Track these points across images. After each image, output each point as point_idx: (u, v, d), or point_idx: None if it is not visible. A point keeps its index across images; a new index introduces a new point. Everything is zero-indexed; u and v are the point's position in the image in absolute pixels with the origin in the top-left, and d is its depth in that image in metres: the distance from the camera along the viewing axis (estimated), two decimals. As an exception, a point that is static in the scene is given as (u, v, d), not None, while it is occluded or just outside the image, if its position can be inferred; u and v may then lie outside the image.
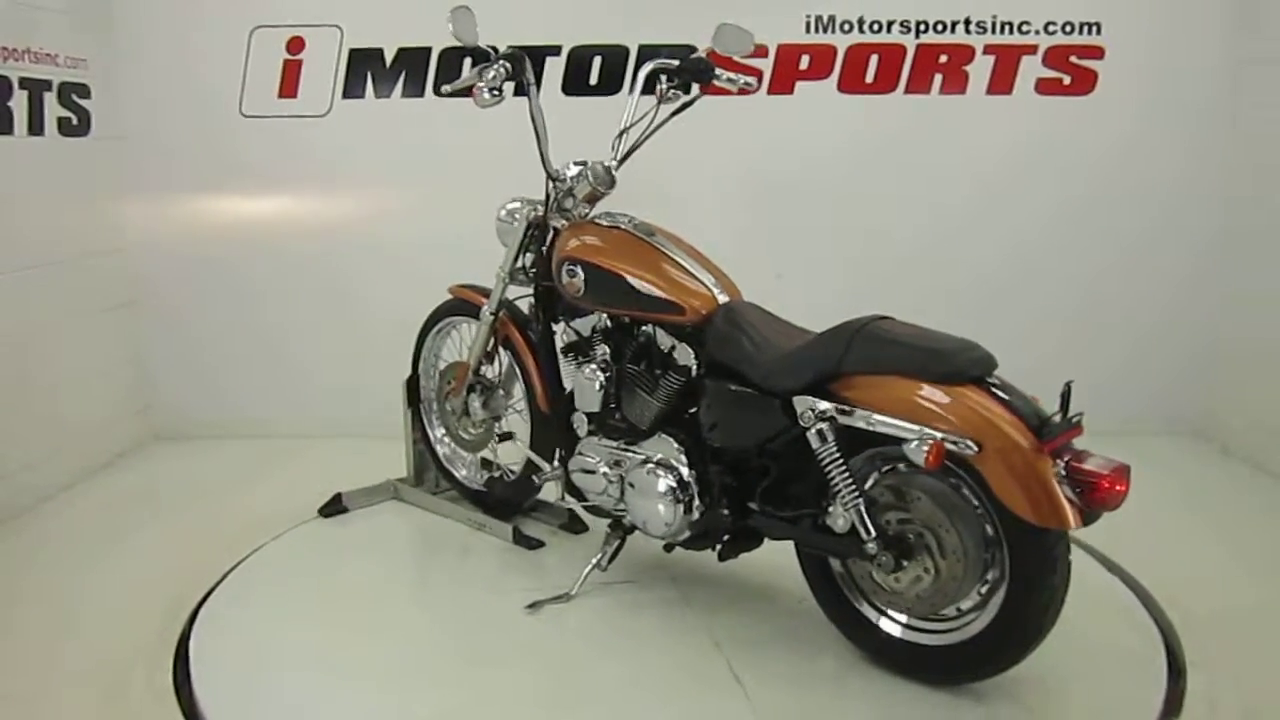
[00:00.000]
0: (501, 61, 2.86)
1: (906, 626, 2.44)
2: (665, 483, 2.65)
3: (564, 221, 2.97)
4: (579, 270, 2.80)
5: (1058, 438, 2.11)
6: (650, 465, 2.70)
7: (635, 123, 2.91)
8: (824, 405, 2.34)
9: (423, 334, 3.52)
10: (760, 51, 4.23)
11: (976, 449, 2.13)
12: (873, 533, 2.32)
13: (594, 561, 2.86)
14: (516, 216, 3.06)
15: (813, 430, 2.36)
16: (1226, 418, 4.28)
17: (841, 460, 2.34)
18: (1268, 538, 3.38)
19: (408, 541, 3.40)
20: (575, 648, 2.65)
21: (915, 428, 2.18)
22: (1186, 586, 2.92)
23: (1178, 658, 2.56)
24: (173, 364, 4.43)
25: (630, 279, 2.71)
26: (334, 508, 3.46)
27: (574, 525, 3.31)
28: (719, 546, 2.73)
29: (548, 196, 2.98)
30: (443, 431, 3.53)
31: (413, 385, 3.54)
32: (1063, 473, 2.10)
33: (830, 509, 2.40)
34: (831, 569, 2.53)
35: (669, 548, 2.83)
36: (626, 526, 2.88)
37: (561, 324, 3.01)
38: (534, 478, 3.11)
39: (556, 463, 3.02)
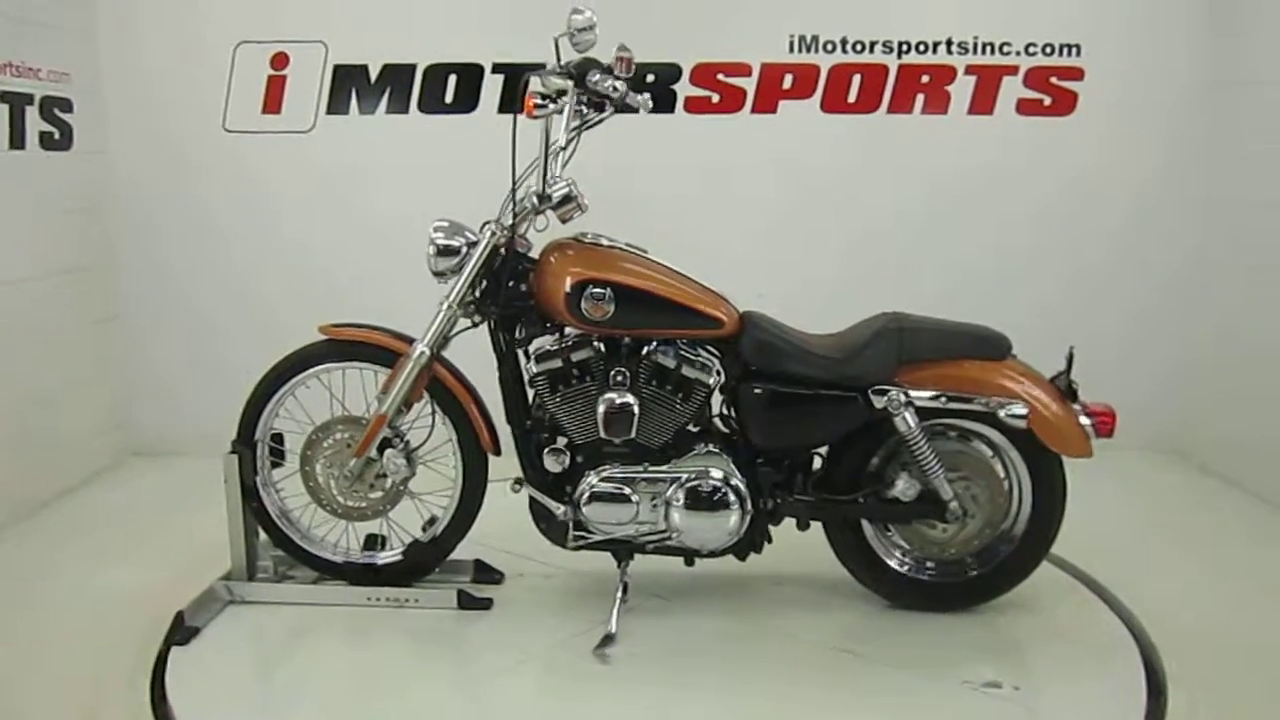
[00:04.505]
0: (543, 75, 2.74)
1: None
2: (723, 494, 2.73)
3: (528, 244, 2.83)
4: (607, 292, 2.69)
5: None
6: (701, 481, 2.73)
7: (571, 139, 2.74)
8: (910, 392, 2.71)
9: (268, 390, 2.94)
10: (744, 70, 4.27)
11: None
12: (951, 494, 2.77)
13: (618, 596, 2.80)
14: (461, 238, 2.79)
15: (900, 416, 2.70)
16: (1204, 435, 4.32)
17: (924, 438, 2.72)
18: (1246, 555, 3.40)
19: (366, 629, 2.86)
20: (695, 693, 2.54)
21: (994, 400, 2.69)
22: (1166, 604, 2.94)
23: (1158, 675, 2.58)
24: (152, 380, 4.41)
25: (667, 297, 2.71)
26: (185, 634, 2.75)
27: (489, 577, 3.08)
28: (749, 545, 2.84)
29: (515, 216, 2.75)
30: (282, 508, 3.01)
31: (248, 459, 2.94)
32: (1082, 416, 2.71)
33: (896, 481, 2.77)
34: (865, 537, 2.88)
35: (690, 561, 2.86)
36: (632, 553, 2.85)
37: (542, 351, 2.77)
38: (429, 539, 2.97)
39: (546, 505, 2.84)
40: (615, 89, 2.68)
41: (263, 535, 3.03)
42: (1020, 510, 2.85)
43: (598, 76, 2.67)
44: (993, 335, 2.80)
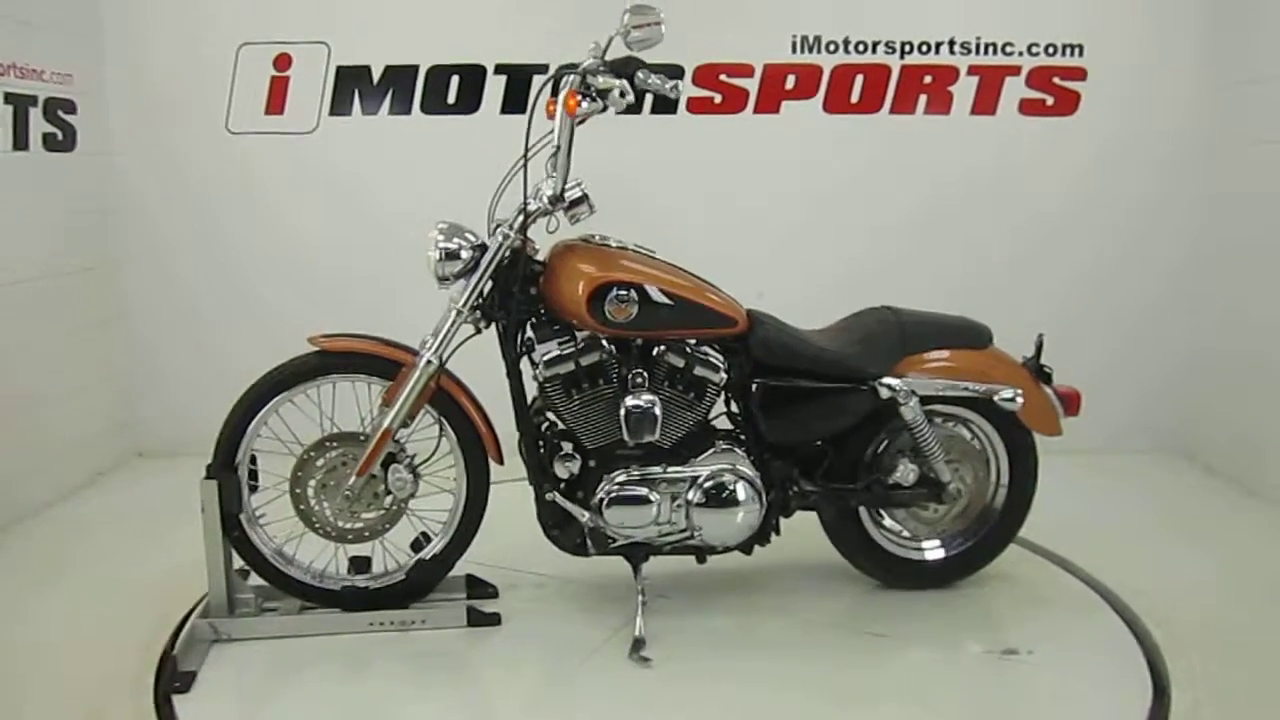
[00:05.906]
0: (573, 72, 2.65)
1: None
2: (743, 490, 2.75)
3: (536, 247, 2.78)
4: (631, 294, 2.65)
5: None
6: (719, 478, 2.74)
7: (570, 141, 2.66)
8: (915, 381, 2.82)
9: (251, 409, 2.71)
10: (746, 71, 4.28)
11: None
12: (950, 476, 2.90)
13: (640, 600, 2.75)
14: (463, 241, 2.68)
15: (907, 405, 2.81)
16: (1209, 435, 4.31)
17: (927, 424, 2.84)
18: (1251, 556, 3.39)
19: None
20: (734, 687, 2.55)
21: (988, 387, 2.84)
22: (1170, 605, 2.94)
23: (1161, 676, 2.57)
24: (156, 380, 4.42)
25: (689, 298, 2.71)
26: (183, 680, 2.52)
27: (484, 591, 2.96)
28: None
29: (527, 218, 2.67)
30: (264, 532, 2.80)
31: (229, 484, 2.70)
32: (1053, 398, 2.91)
33: (897, 467, 2.89)
34: (863, 525, 2.98)
35: (702, 559, 2.88)
36: (647, 555, 2.81)
37: (552, 355, 2.67)
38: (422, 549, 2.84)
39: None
40: (675, 89, 2.64)
41: (238, 562, 2.79)
42: (999, 486, 3.01)
43: (655, 79, 2.61)
44: (976, 326, 2.98)
